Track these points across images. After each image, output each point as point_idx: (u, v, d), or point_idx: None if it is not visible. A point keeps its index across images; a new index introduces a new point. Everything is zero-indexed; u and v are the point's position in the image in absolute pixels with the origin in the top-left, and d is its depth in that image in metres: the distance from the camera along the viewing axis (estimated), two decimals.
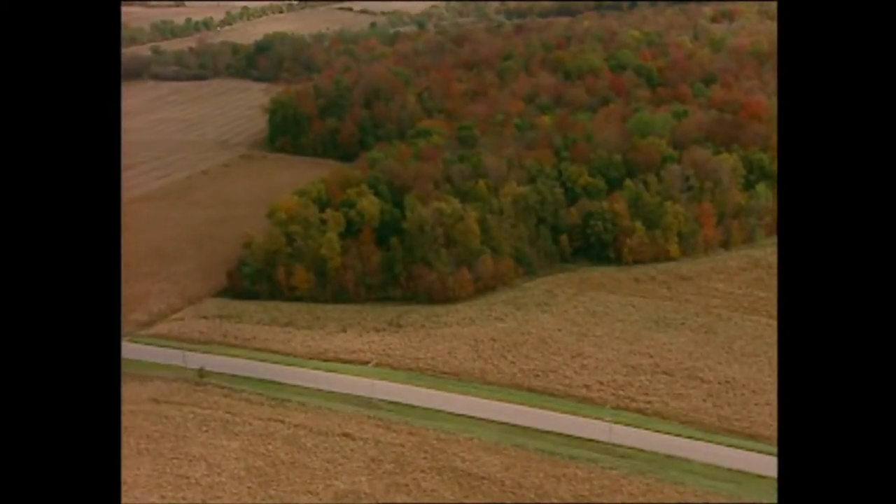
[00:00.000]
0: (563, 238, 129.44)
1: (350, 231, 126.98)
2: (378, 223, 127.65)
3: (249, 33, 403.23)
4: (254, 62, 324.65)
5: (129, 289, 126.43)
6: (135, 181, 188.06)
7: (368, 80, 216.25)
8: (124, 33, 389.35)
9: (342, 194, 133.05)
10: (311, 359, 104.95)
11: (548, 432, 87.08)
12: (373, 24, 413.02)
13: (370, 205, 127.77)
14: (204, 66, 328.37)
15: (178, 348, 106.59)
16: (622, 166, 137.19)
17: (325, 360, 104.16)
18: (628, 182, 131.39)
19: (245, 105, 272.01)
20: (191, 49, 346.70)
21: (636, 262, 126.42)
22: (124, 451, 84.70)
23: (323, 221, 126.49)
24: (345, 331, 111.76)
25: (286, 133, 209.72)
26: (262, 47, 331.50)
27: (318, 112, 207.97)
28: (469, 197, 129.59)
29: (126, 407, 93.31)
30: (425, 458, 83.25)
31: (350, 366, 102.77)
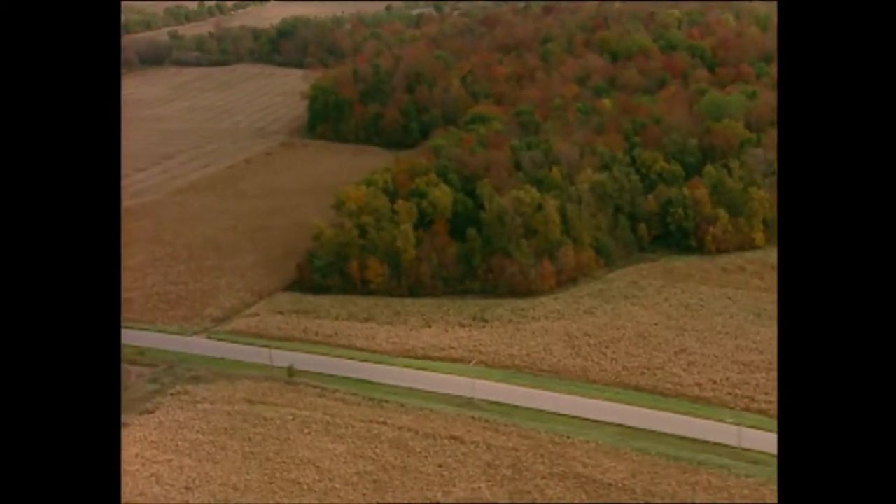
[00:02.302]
0: (642, 227, 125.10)
1: (422, 222, 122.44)
2: (451, 213, 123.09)
3: (263, 17, 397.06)
4: (277, 47, 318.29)
5: (197, 283, 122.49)
6: (177, 171, 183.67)
7: (408, 64, 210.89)
8: (139, 18, 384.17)
9: (410, 183, 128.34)
10: (398, 356, 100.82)
11: (667, 435, 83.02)
12: (388, 8, 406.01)
13: (443, 195, 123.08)
14: (225, 52, 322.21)
15: (261, 345, 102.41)
16: (698, 151, 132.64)
17: (415, 358, 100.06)
18: (709, 167, 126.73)
19: (274, 91, 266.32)
20: (211, 34, 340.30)
21: (719, 250, 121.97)
22: (229, 454, 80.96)
23: (394, 212, 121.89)
24: (429, 326, 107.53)
25: (327, 119, 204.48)
26: (285, 32, 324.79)
27: (359, 98, 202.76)
28: (543, 185, 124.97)
29: (221, 407, 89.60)
30: (543, 463, 79.16)
31: (441, 363, 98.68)
